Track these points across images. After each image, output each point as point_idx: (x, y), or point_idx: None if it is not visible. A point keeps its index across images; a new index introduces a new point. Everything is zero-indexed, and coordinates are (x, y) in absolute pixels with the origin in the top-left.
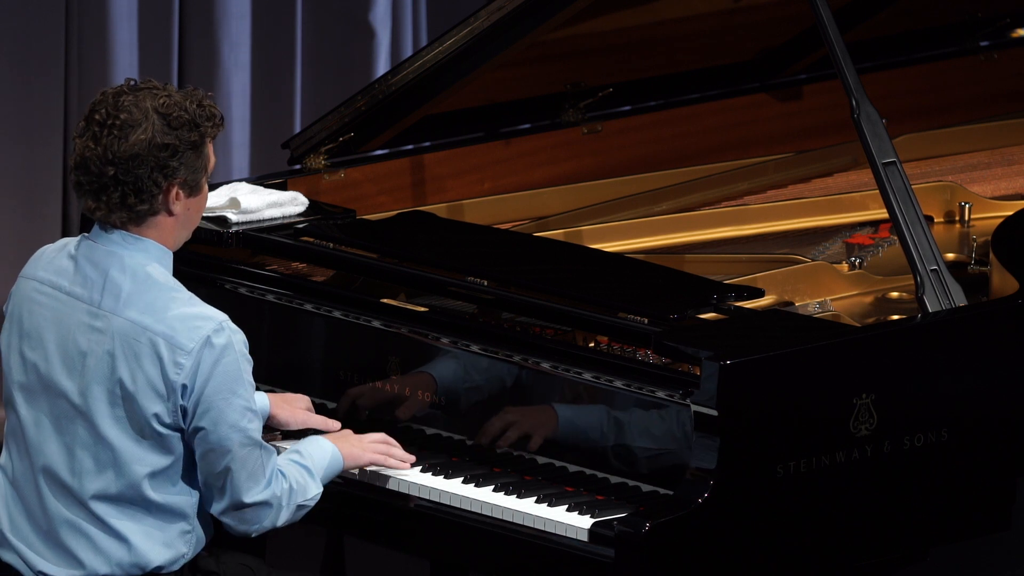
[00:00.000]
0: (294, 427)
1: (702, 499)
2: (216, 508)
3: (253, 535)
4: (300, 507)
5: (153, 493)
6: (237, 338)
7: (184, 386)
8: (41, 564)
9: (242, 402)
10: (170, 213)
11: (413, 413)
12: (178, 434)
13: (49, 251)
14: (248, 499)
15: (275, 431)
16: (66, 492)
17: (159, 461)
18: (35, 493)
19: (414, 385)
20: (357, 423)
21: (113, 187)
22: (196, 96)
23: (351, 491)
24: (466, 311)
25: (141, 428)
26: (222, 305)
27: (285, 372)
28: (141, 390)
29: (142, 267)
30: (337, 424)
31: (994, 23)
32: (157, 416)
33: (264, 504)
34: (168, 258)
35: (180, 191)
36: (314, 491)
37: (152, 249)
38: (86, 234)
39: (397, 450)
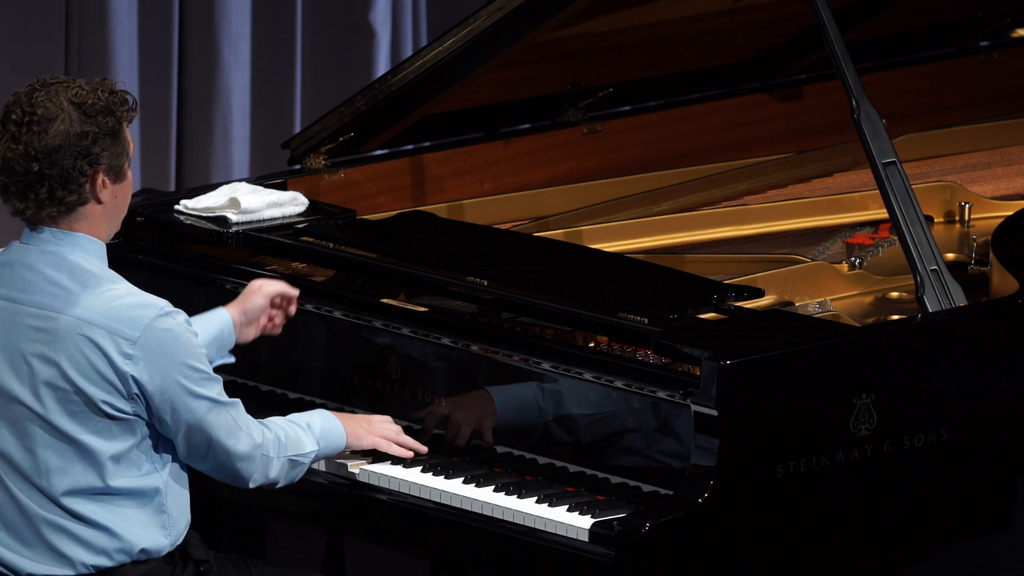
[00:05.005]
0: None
1: (702, 499)
2: (204, 468)
3: (251, 487)
4: (293, 461)
5: (120, 480)
6: (180, 318)
7: (135, 377)
8: (30, 566)
9: (198, 374)
10: (98, 201)
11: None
12: (136, 418)
13: None
14: (232, 453)
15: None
16: (38, 492)
17: (120, 447)
18: (9, 499)
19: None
20: None
21: (40, 182)
22: (106, 85)
23: (351, 491)
24: (466, 311)
25: (97, 419)
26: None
27: (285, 372)
28: (91, 383)
29: (77, 262)
30: None
31: (994, 23)
32: (110, 404)
33: (248, 457)
34: (101, 250)
35: (105, 178)
36: (309, 447)
37: (84, 243)
38: (16, 240)
39: (404, 438)
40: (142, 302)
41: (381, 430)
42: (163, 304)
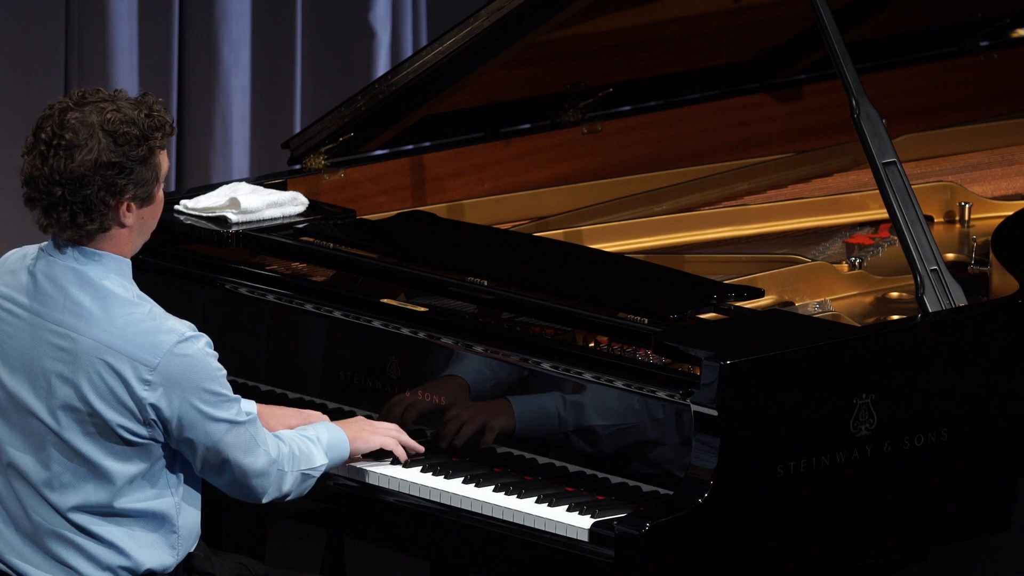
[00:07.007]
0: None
1: (702, 499)
2: (219, 484)
3: (264, 502)
4: (305, 475)
5: (133, 501)
6: (200, 344)
7: (153, 404)
8: (37, 575)
9: (217, 397)
10: (122, 226)
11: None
12: (152, 442)
13: (10, 261)
14: (248, 471)
15: None
16: (48, 506)
17: (133, 469)
18: (19, 508)
19: (448, 391)
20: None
21: (62, 206)
22: (146, 104)
23: (352, 491)
24: (466, 311)
25: (113, 442)
26: (222, 305)
27: (285, 372)
28: (109, 407)
29: (100, 282)
30: (323, 416)
31: (994, 23)
32: (126, 428)
33: (264, 473)
34: (126, 267)
35: (131, 204)
36: (319, 461)
37: (109, 262)
38: (43, 246)
39: (406, 438)
40: (163, 328)
41: (385, 430)
42: (184, 329)
